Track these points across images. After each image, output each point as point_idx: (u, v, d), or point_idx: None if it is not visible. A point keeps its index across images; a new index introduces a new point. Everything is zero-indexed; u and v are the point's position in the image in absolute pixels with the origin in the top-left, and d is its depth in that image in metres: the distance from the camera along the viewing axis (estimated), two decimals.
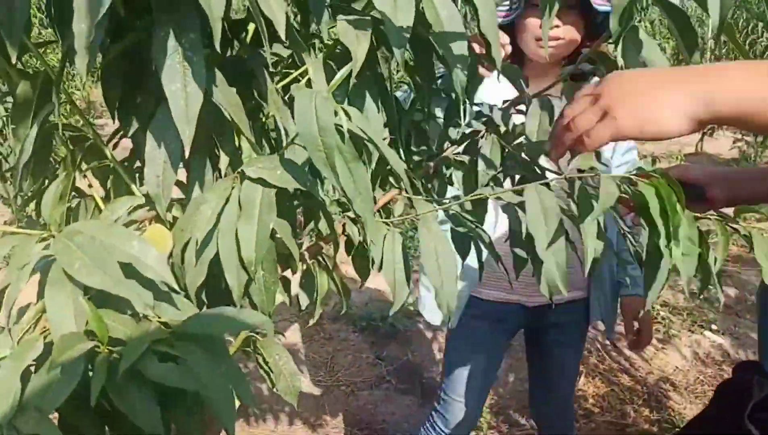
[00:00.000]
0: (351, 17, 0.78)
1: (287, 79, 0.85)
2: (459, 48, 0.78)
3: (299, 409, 2.63)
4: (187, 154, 0.65)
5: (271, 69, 0.91)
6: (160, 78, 0.64)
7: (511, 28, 1.48)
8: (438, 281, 0.82)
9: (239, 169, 0.71)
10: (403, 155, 0.99)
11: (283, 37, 0.65)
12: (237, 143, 0.81)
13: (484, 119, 1.00)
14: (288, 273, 0.98)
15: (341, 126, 0.64)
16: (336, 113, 0.64)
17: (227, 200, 0.69)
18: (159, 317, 0.62)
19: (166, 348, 0.57)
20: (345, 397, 2.71)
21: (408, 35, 0.75)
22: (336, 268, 1.00)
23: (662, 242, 0.67)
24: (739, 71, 0.67)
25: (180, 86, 0.65)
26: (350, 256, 0.97)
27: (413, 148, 1.00)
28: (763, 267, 0.77)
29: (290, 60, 0.94)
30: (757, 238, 0.78)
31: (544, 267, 0.76)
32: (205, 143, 0.82)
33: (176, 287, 0.58)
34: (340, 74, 0.70)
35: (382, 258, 0.88)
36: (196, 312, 0.64)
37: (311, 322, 1.02)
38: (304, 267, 0.97)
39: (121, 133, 0.87)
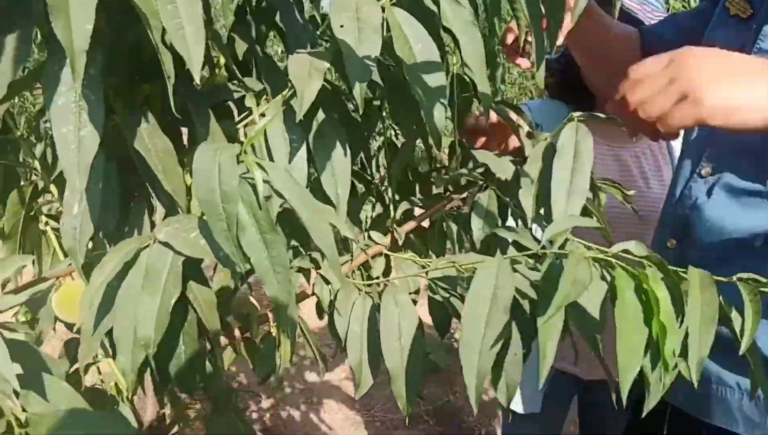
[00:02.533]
0: (309, 51, 0.66)
1: (245, 121, 0.74)
2: (435, 80, 0.64)
3: None
4: (75, 209, 0.55)
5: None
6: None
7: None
8: (397, 364, 0.68)
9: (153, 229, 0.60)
10: (389, 202, 0.86)
11: (196, 79, 0.53)
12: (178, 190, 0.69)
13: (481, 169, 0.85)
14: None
15: (254, 184, 0.52)
16: (247, 169, 0.51)
17: (131, 265, 0.58)
18: (24, 410, 0.51)
19: None
20: (380, 434, 2.57)
21: (373, 67, 0.61)
22: (309, 331, 0.88)
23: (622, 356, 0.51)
24: None
25: (72, 129, 0.54)
26: (322, 320, 0.84)
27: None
28: None
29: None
30: None
31: (465, 374, 0.59)
32: (144, 191, 0.71)
33: (16, 385, 0.46)
34: (266, 119, 0.57)
35: (347, 332, 0.75)
36: (72, 405, 0.53)
37: (279, 389, 0.90)
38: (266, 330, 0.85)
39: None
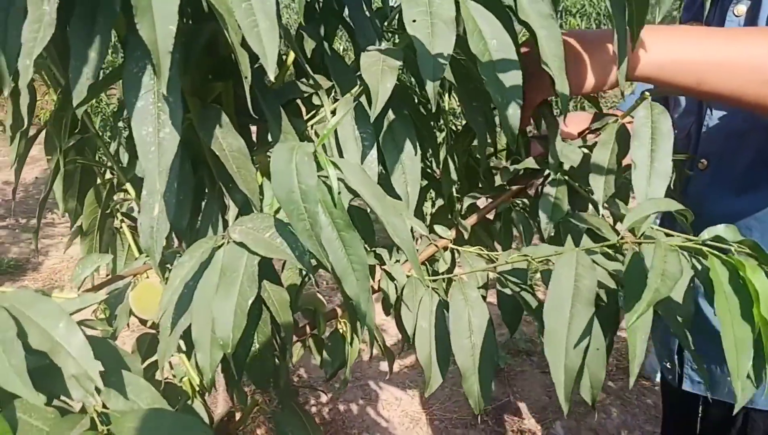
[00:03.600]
0: (380, 48, 0.65)
1: (316, 118, 0.73)
2: (512, 79, 0.62)
3: None
4: (155, 211, 0.55)
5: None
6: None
7: None
8: (468, 363, 0.67)
9: (227, 229, 0.60)
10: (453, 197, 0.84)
11: (271, 77, 0.53)
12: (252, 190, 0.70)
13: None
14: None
15: (329, 183, 0.51)
16: (321, 167, 0.51)
17: (207, 265, 0.58)
18: (104, 407, 0.52)
19: None
20: (438, 432, 2.56)
21: (445, 65, 0.60)
22: (376, 332, 0.87)
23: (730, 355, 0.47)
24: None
25: (152, 130, 0.55)
26: (388, 316, 0.83)
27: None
28: None
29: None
30: None
31: (553, 372, 0.57)
32: (216, 190, 0.72)
33: (100, 384, 0.47)
34: (337, 117, 0.56)
35: (415, 328, 0.74)
36: (151, 402, 0.54)
37: (345, 386, 0.90)
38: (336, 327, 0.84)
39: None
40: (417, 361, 3.03)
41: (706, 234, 0.53)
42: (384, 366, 2.93)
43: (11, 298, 0.49)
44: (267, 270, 0.63)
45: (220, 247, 0.60)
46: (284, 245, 0.56)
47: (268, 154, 0.74)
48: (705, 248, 0.52)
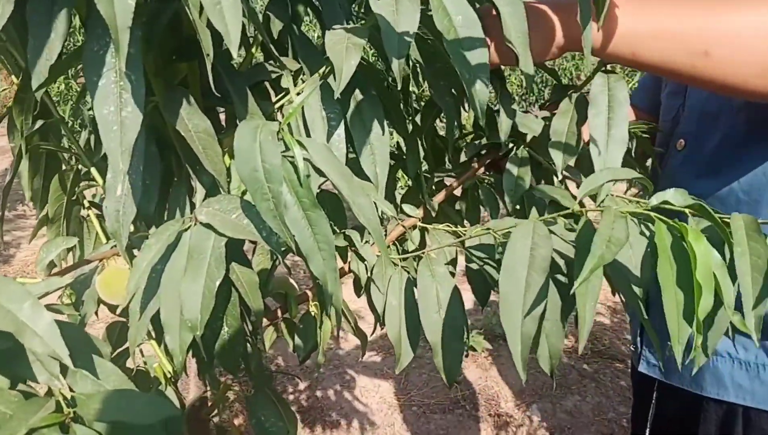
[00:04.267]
0: (345, 27, 0.64)
1: (284, 100, 0.73)
2: (478, 56, 0.62)
3: (367, 425, 2.53)
4: (119, 191, 0.54)
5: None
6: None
7: None
8: (437, 338, 0.67)
9: (194, 211, 0.60)
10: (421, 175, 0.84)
11: (234, 55, 0.52)
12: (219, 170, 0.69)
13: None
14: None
15: (295, 162, 0.51)
16: (287, 147, 0.50)
17: (174, 247, 0.58)
18: (70, 390, 0.52)
19: None
20: (416, 418, 2.57)
21: (410, 42, 0.60)
22: (346, 312, 0.87)
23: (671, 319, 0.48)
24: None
25: (113, 109, 0.54)
26: (360, 296, 0.83)
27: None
28: None
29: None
30: None
31: (509, 340, 0.57)
32: (183, 172, 0.71)
33: (69, 362, 0.47)
34: (303, 96, 0.56)
35: (384, 305, 0.74)
36: (119, 386, 0.53)
37: (317, 366, 0.90)
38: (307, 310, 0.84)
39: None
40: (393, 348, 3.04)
41: (655, 199, 0.54)
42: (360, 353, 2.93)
43: None
44: (235, 251, 0.63)
45: (186, 229, 0.59)
46: (251, 226, 0.56)
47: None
48: (653, 214, 0.53)
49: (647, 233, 0.56)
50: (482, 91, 0.61)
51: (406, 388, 2.74)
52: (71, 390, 0.52)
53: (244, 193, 0.65)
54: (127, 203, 0.65)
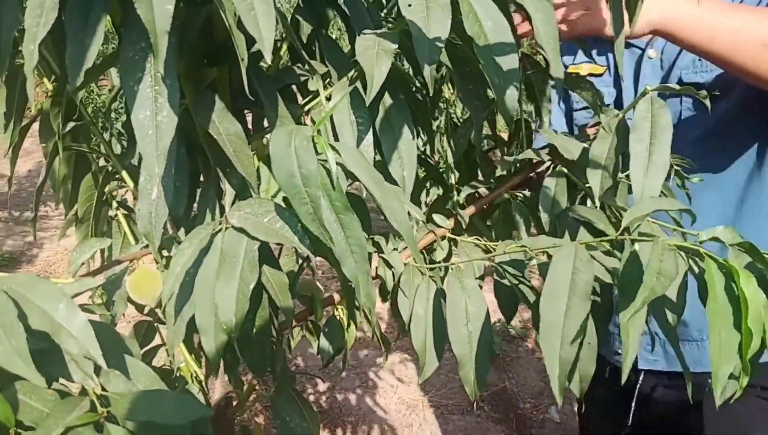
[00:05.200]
0: (376, 32, 0.65)
1: (312, 103, 0.73)
2: (508, 62, 0.62)
3: (385, 426, 2.53)
4: (153, 194, 0.55)
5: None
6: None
7: None
8: (465, 350, 0.67)
9: (224, 214, 0.60)
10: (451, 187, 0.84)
11: (268, 60, 0.53)
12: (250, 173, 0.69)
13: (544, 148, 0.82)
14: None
15: (328, 167, 0.51)
16: (318, 151, 0.51)
17: (207, 251, 0.58)
18: (103, 390, 0.52)
19: None
20: (434, 419, 2.57)
21: (441, 48, 0.60)
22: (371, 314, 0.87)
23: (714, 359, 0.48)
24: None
25: (149, 114, 0.55)
26: (384, 303, 0.83)
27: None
28: None
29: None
30: None
31: (547, 364, 0.57)
32: (213, 175, 0.72)
33: (102, 363, 0.47)
34: (334, 101, 0.56)
35: (411, 314, 0.74)
36: (150, 385, 0.54)
37: (344, 373, 0.90)
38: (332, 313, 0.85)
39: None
40: (413, 349, 3.05)
41: (704, 235, 0.54)
42: (380, 355, 2.94)
43: (10, 281, 0.49)
44: (265, 254, 0.63)
45: (218, 232, 0.60)
46: (284, 229, 0.56)
47: (263, 139, 0.75)
48: (702, 250, 0.53)
49: (695, 269, 0.55)
50: (512, 98, 0.61)
51: (424, 389, 2.74)
52: (104, 389, 0.53)
53: (274, 196, 0.66)
54: (159, 205, 0.65)
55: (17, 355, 0.43)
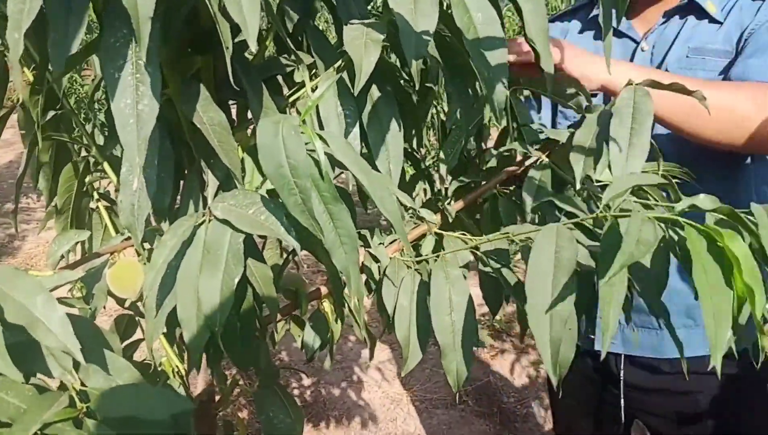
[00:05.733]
0: (363, 22, 0.64)
1: (297, 94, 0.72)
2: (498, 57, 0.61)
3: (369, 420, 2.53)
4: (134, 185, 0.54)
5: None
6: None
7: None
8: (449, 340, 0.66)
9: (208, 206, 0.59)
10: (439, 183, 0.83)
11: (252, 48, 0.52)
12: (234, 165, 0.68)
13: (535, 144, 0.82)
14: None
15: (316, 157, 0.50)
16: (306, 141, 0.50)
17: (189, 243, 0.57)
18: (82, 385, 0.51)
19: (69, 431, 0.46)
20: (418, 413, 2.58)
21: (428, 42, 0.59)
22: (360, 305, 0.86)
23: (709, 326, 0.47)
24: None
25: (130, 102, 0.53)
26: (370, 296, 0.82)
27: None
28: None
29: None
30: None
31: (538, 345, 0.57)
32: (195, 167, 0.71)
33: (80, 358, 0.46)
34: (321, 90, 0.55)
35: (395, 306, 0.74)
36: (131, 380, 0.53)
37: (326, 364, 0.89)
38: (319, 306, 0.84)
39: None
40: (398, 344, 3.04)
41: (682, 204, 0.53)
42: (364, 349, 2.93)
43: None
44: (249, 247, 0.62)
45: (201, 224, 0.58)
46: (269, 221, 0.55)
47: (248, 130, 0.73)
48: (681, 219, 0.52)
49: (675, 238, 0.55)
50: (501, 92, 0.60)
51: (408, 383, 2.74)
52: (83, 385, 0.52)
53: (257, 188, 0.65)
54: (141, 197, 0.64)
55: None
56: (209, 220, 0.58)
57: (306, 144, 0.52)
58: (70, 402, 0.49)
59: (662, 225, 0.55)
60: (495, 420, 2.52)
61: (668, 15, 1.12)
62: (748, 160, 1.11)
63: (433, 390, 2.70)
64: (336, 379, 2.75)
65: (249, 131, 0.73)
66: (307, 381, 2.72)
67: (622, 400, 1.27)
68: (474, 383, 2.72)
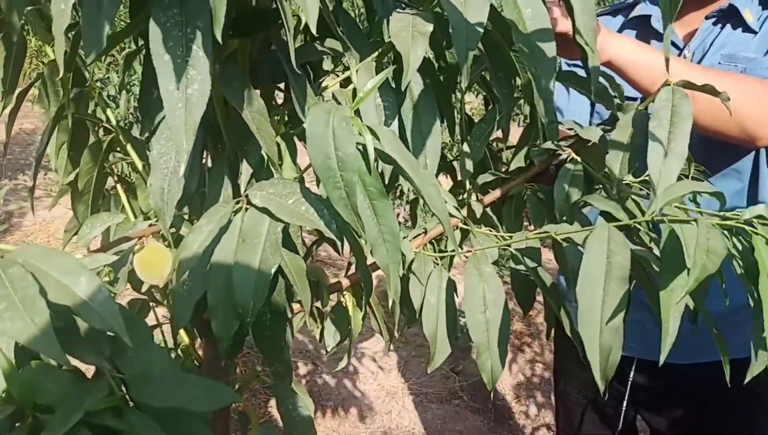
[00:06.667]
0: (409, 12, 0.62)
1: (334, 83, 0.71)
2: (547, 51, 0.60)
3: (365, 412, 2.53)
4: (182, 170, 0.52)
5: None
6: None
7: None
8: (483, 338, 0.66)
9: (245, 193, 0.58)
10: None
11: (312, 29, 0.50)
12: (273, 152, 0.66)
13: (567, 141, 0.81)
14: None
15: (364, 151, 0.49)
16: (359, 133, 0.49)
17: (225, 229, 0.56)
18: (118, 372, 0.50)
19: (110, 421, 0.45)
20: (413, 406, 2.58)
21: (480, 34, 0.58)
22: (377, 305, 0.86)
23: None
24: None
25: (180, 86, 0.52)
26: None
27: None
28: None
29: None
30: None
31: (588, 351, 0.56)
32: (224, 153, 0.69)
33: (128, 340, 0.45)
34: (374, 82, 0.54)
35: (422, 302, 0.73)
36: (166, 368, 0.52)
37: (341, 364, 0.88)
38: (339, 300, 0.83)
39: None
40: (397, 340, 3.03)
41: (748, 213, 0.53)
42: (364, 342, 2.93)
43: (22, 254, 0.46)
44: (285, 237, 0.61)
45: (237, 211, 0.57)
46: (309, 212, 0.54)
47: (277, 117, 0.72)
48: (748, 228, 0.52)
49: (739, 247, 0.54)
50: (549, 88, 0.59)
51: (404, 376, 2.74)
52: (119, 372, 0.51)
53: (296, 177, 0.63)
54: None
55: (40, 333, 0.40)
56: (246, 208, 0.57)
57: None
58: (109, 391, 0.48)
59: (726, 233, 0.54)
60: (489, 416, 2.52)
61: (708, 19, 1.12)
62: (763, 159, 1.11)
63: (429, 384, 2.70)
64: (332, 370, 2.75)
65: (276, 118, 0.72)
66: (303, 370, 2.71)
67: (625, 400, 1.27)
68: (469, 379, 2.72)
